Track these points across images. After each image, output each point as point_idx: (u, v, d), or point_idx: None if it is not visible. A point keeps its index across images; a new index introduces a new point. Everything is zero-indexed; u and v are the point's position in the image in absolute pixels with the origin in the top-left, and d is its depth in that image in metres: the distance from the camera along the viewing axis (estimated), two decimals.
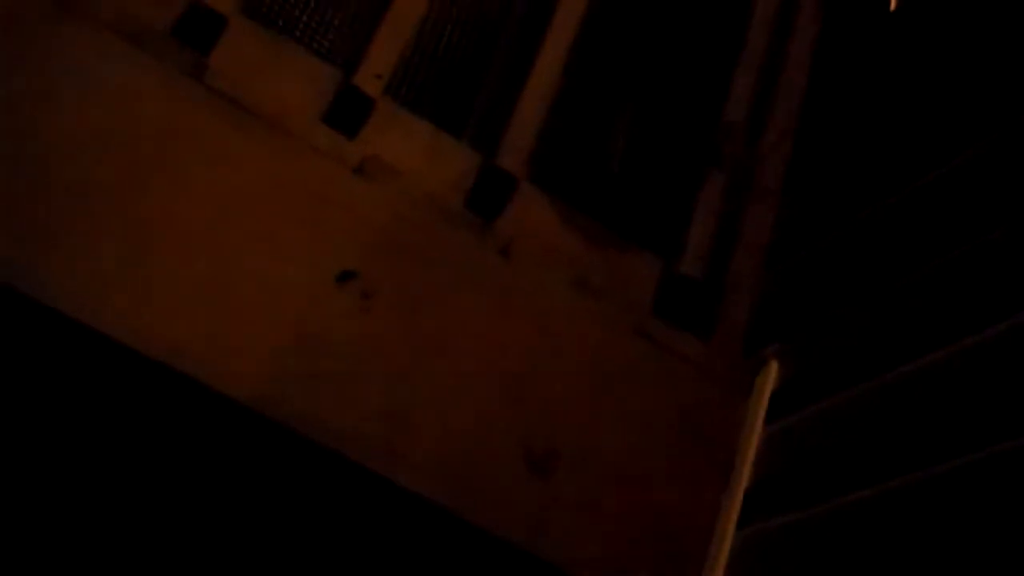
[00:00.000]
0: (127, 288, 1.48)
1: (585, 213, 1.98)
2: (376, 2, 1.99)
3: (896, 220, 1.83)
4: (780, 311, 1.96)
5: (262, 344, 1.54)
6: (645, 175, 2.17)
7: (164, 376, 1.45)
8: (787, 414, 1.77)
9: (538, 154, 2.01)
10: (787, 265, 2.01)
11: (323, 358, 1.58)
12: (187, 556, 1.56)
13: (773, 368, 1.86)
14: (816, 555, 1.55)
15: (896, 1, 2.20)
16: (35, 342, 1.48)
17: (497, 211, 1.87)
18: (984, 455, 1.39)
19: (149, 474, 1.53)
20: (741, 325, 1.97)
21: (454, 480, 1.58)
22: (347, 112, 1.79)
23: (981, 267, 1.57)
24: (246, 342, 1.53)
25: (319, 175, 1.67)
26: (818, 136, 2.21)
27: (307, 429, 1.51)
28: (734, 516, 1.71)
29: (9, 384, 1.49)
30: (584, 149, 2.16)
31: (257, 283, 1.56)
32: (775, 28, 2.36)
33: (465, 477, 1.59)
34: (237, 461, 1.56)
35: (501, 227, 1.85)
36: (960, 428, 1.44)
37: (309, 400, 1.54)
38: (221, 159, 1.60)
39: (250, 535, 1.58)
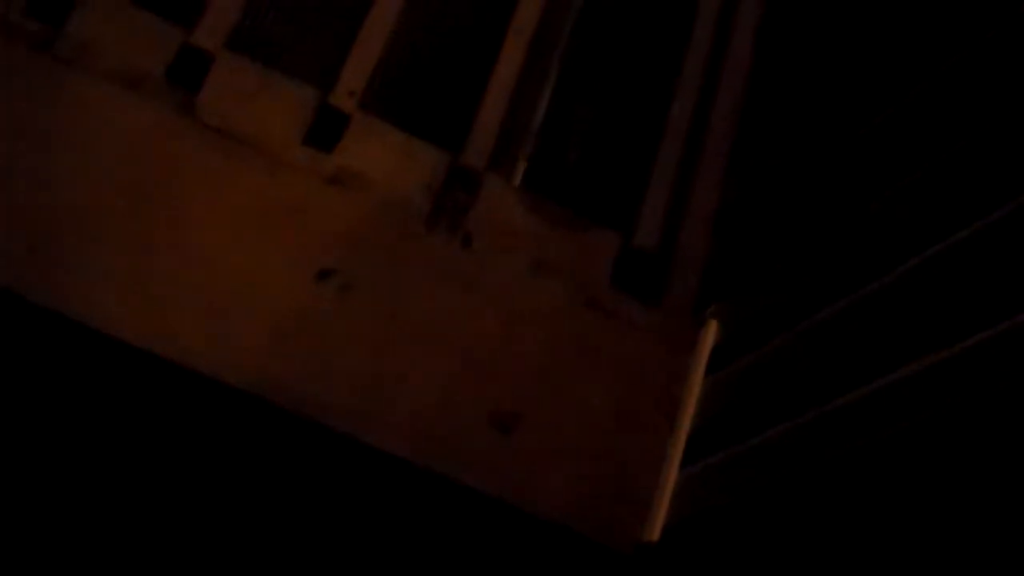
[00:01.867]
0: (133, 293, 1.75)
1: (548, 199, 2.21)
2: (350, 22, 2.23)
3: (818, 177, 2.04)
4: (724, 274, 2.19)
5: (250, 334, 1.80)
6: (601, 160, 2.40)
7: (163, 368, 1.71)
8: (725, 366, 2.01)
9: (501, 150, 2.25)
10: (728, 231, 2.24)
11: (305, 342, 1.83)
12: (192, 536, 1.83)
13: (712, 326, 2.09)
14: (747, 483, 1.78)
15: None
16: (42, 345, 1.75)
17: (465, 206, 2.10)
18: (891, 381, 1.60)
19: (153, 456, 1.79)
20: (691, 290, 2.18)
21: (425, 441, 1.83)
22: (324, 129, 2.04)
23: (894, 212, 1.77)
24: (236, 333, 1.79)
25: (298, 189, 1.93)
26: (764, 107, 2.43)
27: (292, 404, 1.77)
28: (678, 457, 1.95)
29: (16, 386, 1.76)
30: (544, 141, 2.39)
31: (245, 284, 1.82)
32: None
33: (435, 438, 1.84)
34: (231, 440, 1.82)
35: (468, 220, 2.08)
36: (867, 357, 1.65)
37: (292, 378, 1.79)
38: (212, 184, 1.86)
39: (249, 506, 1.84)
